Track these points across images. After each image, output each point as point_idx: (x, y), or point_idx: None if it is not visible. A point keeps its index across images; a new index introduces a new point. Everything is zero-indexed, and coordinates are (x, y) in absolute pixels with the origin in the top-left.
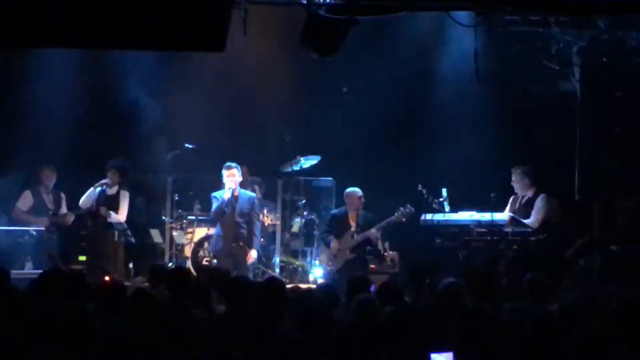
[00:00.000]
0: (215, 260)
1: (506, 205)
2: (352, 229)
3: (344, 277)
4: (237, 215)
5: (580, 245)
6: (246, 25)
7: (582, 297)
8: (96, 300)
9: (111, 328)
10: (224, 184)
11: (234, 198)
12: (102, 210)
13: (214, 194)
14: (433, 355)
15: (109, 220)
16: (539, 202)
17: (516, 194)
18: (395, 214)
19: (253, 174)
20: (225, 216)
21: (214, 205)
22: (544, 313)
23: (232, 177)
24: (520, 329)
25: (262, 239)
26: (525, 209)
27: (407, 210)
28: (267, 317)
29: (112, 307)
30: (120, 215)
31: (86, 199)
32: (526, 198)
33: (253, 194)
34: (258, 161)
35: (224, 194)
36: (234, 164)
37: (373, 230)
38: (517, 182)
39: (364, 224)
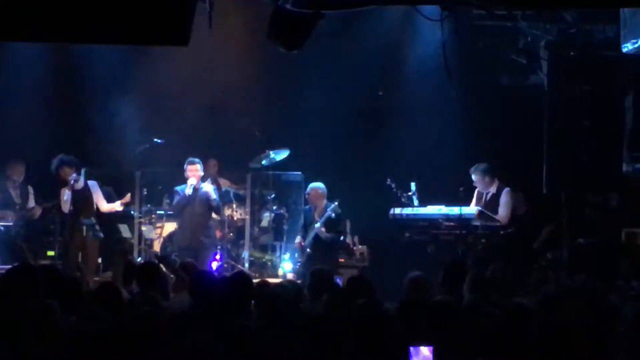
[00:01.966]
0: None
1: (471, 200)
2: (316, 224)
3: (306, 271)
4: (197, 209)
5: (547, 236)
6: (212, 19)
7: (551, 290)
8: (60, 296)
9: (76, 324)
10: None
11: (195, 191)
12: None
13: (177, 187)
14: (412, 349)
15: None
16: (504, 197)
17: (478, 192)
18: (327, 210)
19: (222, 169)
20: (185, 210)
21: (175, 198)
22: (509, 305)
23: (195, 171)
24: (487, 322)
25: (230, 234)
26: (491, 204)
27: (334, 205)
28: (233, 311)
29: (76, 302)
30: (103, 205)
31: (64, 204)
32: (490, 194)
33: (210, 185)
34: (227, 155)
35: (186, 190)
36: (196, 160)
37: (317, 224)
38: (478, 181)
39: (324, 219)
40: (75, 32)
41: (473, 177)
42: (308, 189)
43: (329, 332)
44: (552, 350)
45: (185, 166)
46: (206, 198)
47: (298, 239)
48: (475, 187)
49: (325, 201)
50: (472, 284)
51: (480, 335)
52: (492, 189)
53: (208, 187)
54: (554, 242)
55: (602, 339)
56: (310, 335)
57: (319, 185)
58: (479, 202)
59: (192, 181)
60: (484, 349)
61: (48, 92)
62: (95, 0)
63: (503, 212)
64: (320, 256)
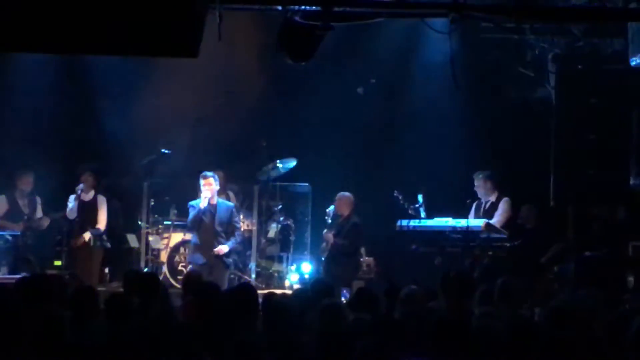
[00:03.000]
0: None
1: (470, 212)
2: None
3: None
4: (216, 225)
5: (555, 252)
6: (221, 31)
7: (557, 303)
8: (70, 306)
9: (85, 334)
10: (200, 193)
11: (212, 207)
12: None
13: (191, 202)
14: None
15: (89, 232)
16: (502, 205)
17: (479, 199)
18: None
19: (229, 180)
20: (202, 225)
21: (191, 214)
22: (516, 318)
23: (208, 185)
24: (493, 335)
25: (239, 246)
26: (490, 213)
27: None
28: (237, 323)
29: (86, 313)
30: (101, 224)
31: (70, 212)
32: (489, 203)
33: (231, 204)
34: (234, 166)
35: (201, 203)
36: (209, 173)
37: (325, 230)
38: (480, 187)
39: (348, 228)
40: (86, 44)
41: (475, 182)
42: (338, 195)
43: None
44: None
45: (200, 180)
46: (227, 216)
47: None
48: (479, 198)
49: (349, 212)
50: (482, 298)
51: (486, 349)
52: (492, 198)
53: (228, 203)
54: (561, 257)
55: (608, 352)
56: (310, 348)
57: (348, 194)
58: (478, 212)
59: (206, 194)
60: None
61: (57, 103)
62: (106, 12)
63: (497, 218)
64: (335, 264)
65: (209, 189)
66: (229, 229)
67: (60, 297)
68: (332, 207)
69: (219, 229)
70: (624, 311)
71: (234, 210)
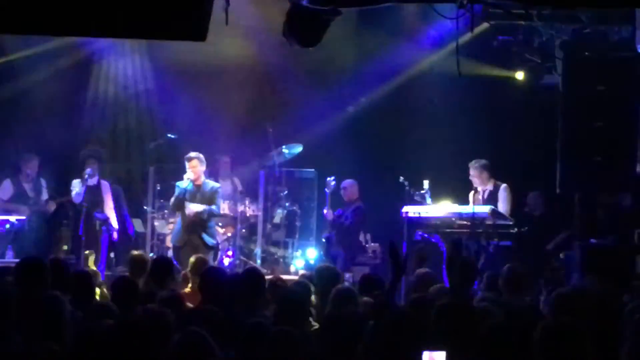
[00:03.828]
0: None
1: (467, 203)
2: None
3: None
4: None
5: (561, 240)
6: (228, 16)
7: (561, 290)
8: (73, 290)
9: (85, 318)
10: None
11: (196, 187)
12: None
13: (178, 183)
14: (425, 353)
15: (99, 217)
16: (503, 193)
17: (475, 189)
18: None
19: (236, 165)
20: (185, 206)
21: (175, 194)
22: (522, 305)
23: (192, 168)
24: (497, 322)
25: (242, 229)
26: (489, 202)
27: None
28: (245, 308)
29: (87, 296)
30: (109, 209)
31: (76, 196)
32: (487, 191)
33: (217, 185)
34: (240, 151)
35: (183, 183)
36: (194, 154)
37: (325, 209)
38: (476, 176)
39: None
40: (94, 26)
41: (471, 171)
42: (348, 183)
43: (336, 329)
44: (562, 351)
45: (185, 162)
46: (210, 197)
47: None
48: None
49: (356, 197)
50: (487, 285)
51: (490, 335)
52: (489, 187)
53: (214, 184)
54: (567, 245)
55: (613, 340)
56: (322, 335)
57: (354, 181)
58: (476, 202)
59: (188, 175)
60: (492, 350)
61: (63, 86)
62: None
63: (503, 208)
64: (338, 240)
65: (193, 170)
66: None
67: (60, 281)
68: (332, 178)
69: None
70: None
71: (218, 190)
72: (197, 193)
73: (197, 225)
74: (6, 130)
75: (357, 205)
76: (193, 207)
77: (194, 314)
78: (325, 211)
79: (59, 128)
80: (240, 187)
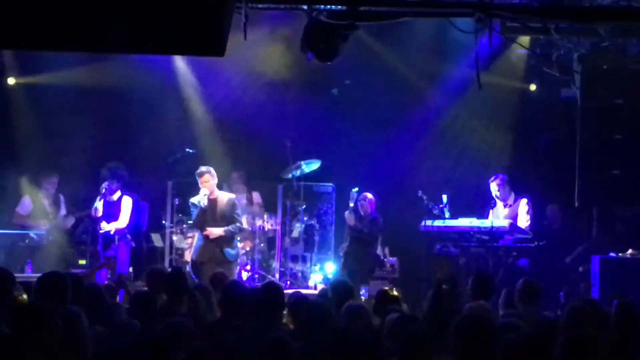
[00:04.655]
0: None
1: (484, 217)
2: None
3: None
4: (218, 219)
5: (580, 253)
6: (246, 30)
7: (578, 304)
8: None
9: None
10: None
11: (212, 202)
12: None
13: (192, 200)
14: None
15: (105, 230)
16: (523, 206)
17: (495, 204)
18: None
19: (252, 179)
20: (206, 223)
21: (194, 213)
22: (540, 319)
23: (205, 182)
24: (516, 335)
25: (261, 244)
26: (509, 217)
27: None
28: (264, 322)
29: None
30: (120, 222)
31: (94, 211)
32: (508, 206)
33: (232, 195)
34: (258, 166)
35: (201, 201)
36: (204, 169)
37: (347, 212)
38: (497, 191)
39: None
40: (113, 42)
41: (491, 187)
42: (365, 197)
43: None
44: None
45: (197, 178)
46: (229, 208)
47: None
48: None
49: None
50: (506, 298)
51: (510, 349)
52: (510, 201)
53: (229, 195)
54: (586, 258)
55: (632, 353)
56: (339, 347)
57: (370, 194)
58: (496, 216)
59: (204, 192)
60: None
61: (82, 102)
62: (134, 11)
63: (523, 222)
64: (356, 252)
65: (207, 185)
66: (231, 221)
67: (75, 296)
68: (355, 190)
69: (221, 224)
70: None
71: (235, 202)
72: (216, 208)
73: (220, 241)
74: (27, 146)
75: (374, 215)
76: (215, 232)
77: (216, 328)
78: (347, 214)
79: (78, 143)
80: (258, 200)
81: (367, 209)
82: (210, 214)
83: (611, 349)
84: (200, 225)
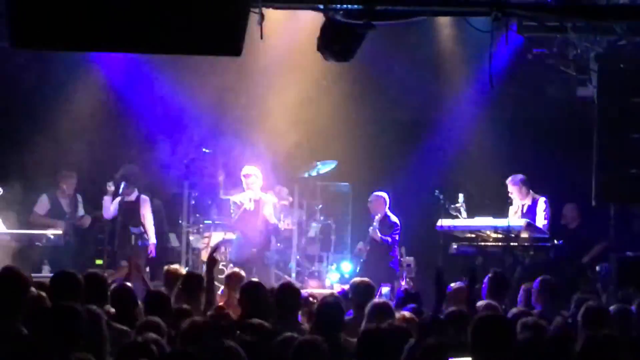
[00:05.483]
0: (231, 266)
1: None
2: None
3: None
4: (259, 221)
5: (597, 252)
6: (263, 30)
7: (594, 304)
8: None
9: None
10: (243, 189)
11: (256, 203)
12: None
13: (233, 198)
14: None
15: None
16: (541, 205)
17: (513, 204)
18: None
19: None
20: (247, 223)
21: (235, 211)
22: (557, 318)
23: (251, 184)
24: (533, 335)
25: (277, 244)
26: (528, 216)
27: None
28: (280, 322)
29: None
30: (148, 223)
31: (105, 212)
32: (526, 206)
33: (275, 199)
34: (275, 166)
35: (245, 200)
36: (252, 169)
37: (372, 227)
38: (515, 191)
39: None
40: (129, 42)
41: (509, 187)
42: (371, 197)
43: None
44: None
45: (242, 177)
46: (269, 212)
47: (360, 245)
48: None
49: (386, 209)
50: (523, 297)
51: (526, 348)
52: (528, 201)
53: (269, 204)
54: (602, 256)
55: None
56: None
57: (381, 193)
58: (514, 217)
59: (249, 194)
60: None
61: (99, 102)
62: (151, 12)
63: (541, 222)
64: (375, 262)
65: (253, 187)
66: (271, 224)
67: (98, 295)
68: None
69: (261, 225)
70: None
71: (275, 205)
72: (258, 208)
73: (259, 243)
74: (45, 146)
75: (393, 221)
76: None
77: (239, 327)
78: (371, 230)
79: (95, 143)
80: (285, 197)
81: (379, 210)
82: (253, 215)
83: (631, 347)
84: (240, 226)
